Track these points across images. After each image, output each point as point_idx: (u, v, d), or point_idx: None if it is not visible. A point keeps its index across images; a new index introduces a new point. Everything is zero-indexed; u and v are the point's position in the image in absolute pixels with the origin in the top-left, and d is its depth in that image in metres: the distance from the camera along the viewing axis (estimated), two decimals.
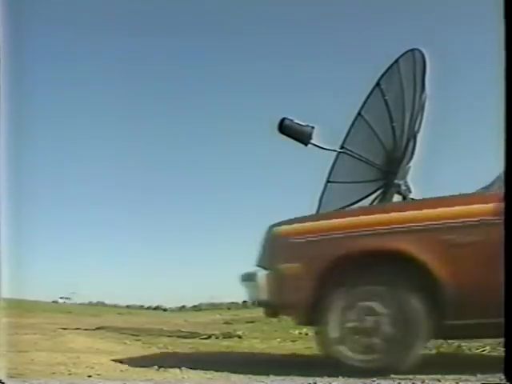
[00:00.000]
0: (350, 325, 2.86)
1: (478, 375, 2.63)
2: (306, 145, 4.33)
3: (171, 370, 3.15)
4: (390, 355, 2.78)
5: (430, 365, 3.35)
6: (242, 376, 2.97)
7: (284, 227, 3.15)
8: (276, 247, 3.15)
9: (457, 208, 2.85)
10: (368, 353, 2.81)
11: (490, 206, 2.77)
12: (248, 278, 3.20)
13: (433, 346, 4.31)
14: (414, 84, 4.38)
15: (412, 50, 4.57)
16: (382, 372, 2.67)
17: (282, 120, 4.30)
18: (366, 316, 2.84)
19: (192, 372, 3.10)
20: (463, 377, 2.62)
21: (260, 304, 3.15)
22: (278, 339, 5.97)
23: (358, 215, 3.12)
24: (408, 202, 3.07)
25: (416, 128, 4.29)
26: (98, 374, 2.95)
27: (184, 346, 5.14)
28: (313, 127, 4.33)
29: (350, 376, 2.65)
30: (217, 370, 3.13)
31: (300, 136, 4.31)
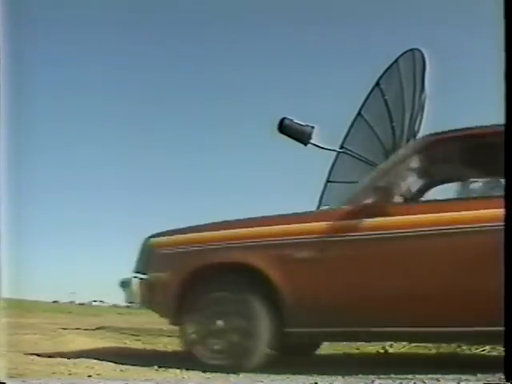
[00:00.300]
0: (204, 327, 3.18)
1: (478, 375, 2.63)
2: (306, 145, 4.34)
3: (171, 370, 3.15)
4: (235, 355, 3.10)
5: (429, 365, 3.36)
6: (241, 376, 2.98)
7: (156, 239, 3.50)
8: (148, 257, 3.49)
9: (297, 225, 3.14)
10: (218, 352, 3.13)
11: (330, 223, 3.05)
12: (124, 284, 3.51)
13: (432, 346, 4.31)
14: (413, 84, 4.38)
15: (412, 50, 4.57)
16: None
17: (282, 120, 4.30)
18: (217, 320, 3.14)
19: (192, 372, 3.10)
20: (463, 377, 2.62)
21: (134, 306, 3.60)
22: None
23: (215, 230, 3.37)
24: (257, 219, 3.36)
25: (416, 128, 4.29)
26: (98, 374, 2.95)
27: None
28: (313, 127, 4.34)
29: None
30: (217, 370, 3.13)
31: (300, 136, 4.32)
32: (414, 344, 4.51)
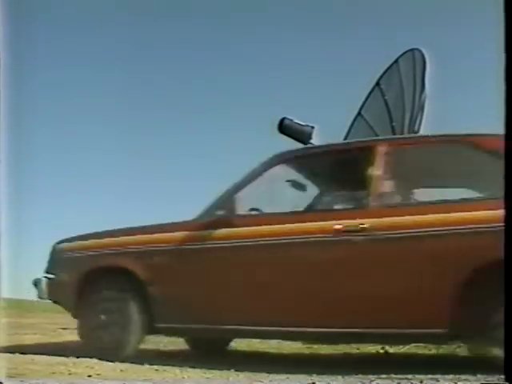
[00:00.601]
0: (92, 321, 3.69)
1: (478, 375, 2.63)
2: (306, 145, 4.33)
3: (171, 369, 3.16)
4: (112, 346, 3.57)
5: (429, 364, 3.35)
6: (241, 376, 2.98)
7: (60, 245, 4.08)
8: (54, 260, 4.08)
9: (161, 234, 3.62)
10: (101, 343, 3.61)
11: (187, 233, 3.51)
12: (35, 283, 4.03)
13: (432, 346, 4.31)
14: (413, 84, 4.38)
15: (412, 50, 4.57)
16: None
17: (282, 120, 4.29)
18: (102, 315, 3.66)
19: (192, 372, 3.10)
20: (463, 377, 2.62)
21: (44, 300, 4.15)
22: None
23: (103, 237, 3.89)
24: (135, 228, 3.82)
25: (416, 128, 4.30)
26: (98, 374, 2.95)
27: (184, 346, 5.13)
28: (313, 127, 4.32)
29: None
30: (217, 370, 3.13)
31: (300, 136, 4.30)
32: (413, 344, 4.52)
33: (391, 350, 4.48)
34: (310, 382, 2.64)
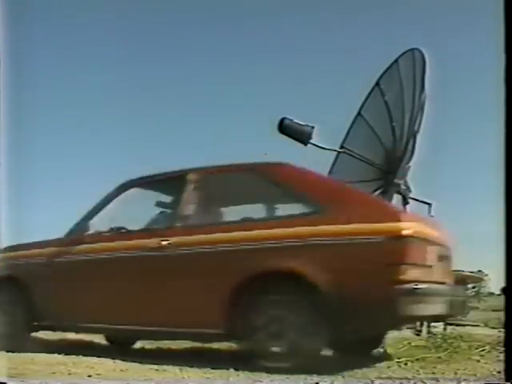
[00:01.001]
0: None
1: (478, 375, 2.63)
2: (306, 145, 4.33)
3: (171, 369, 3.15)
4: (5, 340, 4.10)
5: (428, 364, 3.35)
6: (241, 376, 2.98)
7: None
8: None
9: (38, 250, 4.40)
10: (12, 334, 4.26)
11: (56, 249, 4.23)
12: None
13: (432, 346, 4.32)
14: (413, 84, 4.38)
15: (412, 50, 4.57)
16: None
17: (282, 120, 4.30)
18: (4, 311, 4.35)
19: (192, 372, 3.10)
20: (463, 377, 2.62)
21: None
22: None
23: (10, 251, 4.50)
24: (25, 244, 4.58)
25: (416, 128, 4.29)
26: (98, 374, 2.95)
27: (184, 346, 5.13)
28: (313, 127, 4.33)
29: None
30: (217, 370, 3.13)
31: (300, 136, 4.31)
32: (413, 344, 4.52)
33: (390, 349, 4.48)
34: (311, 381, 2.63)
